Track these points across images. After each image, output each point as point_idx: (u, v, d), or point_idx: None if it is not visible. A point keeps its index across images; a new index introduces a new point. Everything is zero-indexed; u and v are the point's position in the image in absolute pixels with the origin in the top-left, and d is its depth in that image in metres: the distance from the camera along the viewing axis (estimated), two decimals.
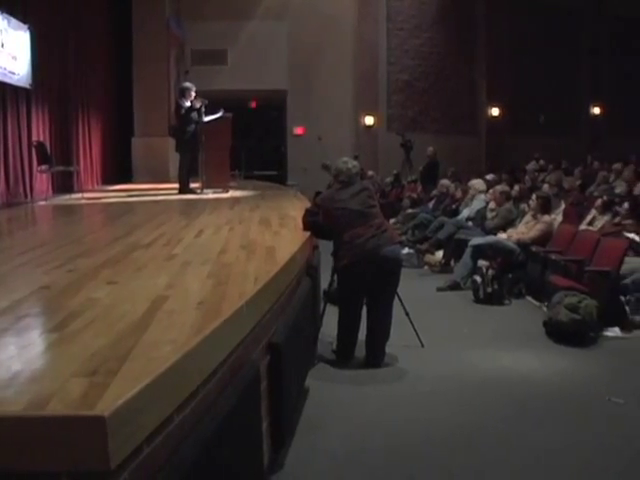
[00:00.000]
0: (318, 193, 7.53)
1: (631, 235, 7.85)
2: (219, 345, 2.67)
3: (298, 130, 19.26)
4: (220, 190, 10.72)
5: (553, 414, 4.76)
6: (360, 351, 5.70)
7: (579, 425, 4.59)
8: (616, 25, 21.58)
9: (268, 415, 3.51)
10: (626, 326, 6.75)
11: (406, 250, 10.05)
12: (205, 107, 10.50)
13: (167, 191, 11.26)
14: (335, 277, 5.83)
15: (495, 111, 20.59)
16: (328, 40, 18.58)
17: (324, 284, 6.25)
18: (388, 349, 5.73)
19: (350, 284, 5.58)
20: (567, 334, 6.32)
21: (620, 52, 21.51)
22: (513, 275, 8.28)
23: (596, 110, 21.93)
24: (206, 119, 10.49)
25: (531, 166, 16.75)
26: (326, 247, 5.98)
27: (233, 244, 5.12)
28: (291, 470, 3.80)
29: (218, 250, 4.80)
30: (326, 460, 3.99)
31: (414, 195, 14.28)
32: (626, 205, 8.58)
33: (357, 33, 19.13)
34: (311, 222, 5.70)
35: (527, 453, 4.15)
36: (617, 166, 13.87)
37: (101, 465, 1.77)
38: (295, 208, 7.78)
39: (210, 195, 10.34)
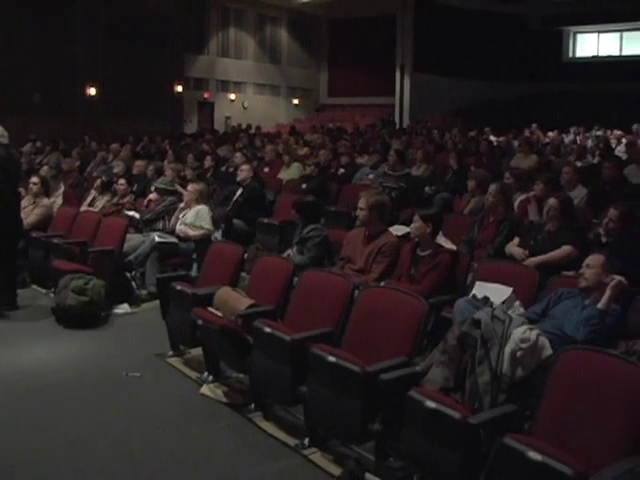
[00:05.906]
0: None
1: (131, 213, 8.11)
2: None
3: None
4: None
5: (77, 399, 4.76)
6: None
7: (104, 404, 4.68)
8: (110, 14, 21.88)
9: None
10: (134, 301, 7.03)
11: None
12: None
13: None
14: None
15: None
16: None
17: None
18: None
19: None
20: (78, 317, 6.31)
21: (116, 38, 21.95)
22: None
23: (92, 91, 22.04)
24: None
25: (27, 148, 16.18)
26: None
27: None
28: None
29: None
30: None
31: None
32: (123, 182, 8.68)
33: None
34: None
35: (61, 446, 4.09)
36: (115, 146, 14.25)
37: None
38: None
39: None
